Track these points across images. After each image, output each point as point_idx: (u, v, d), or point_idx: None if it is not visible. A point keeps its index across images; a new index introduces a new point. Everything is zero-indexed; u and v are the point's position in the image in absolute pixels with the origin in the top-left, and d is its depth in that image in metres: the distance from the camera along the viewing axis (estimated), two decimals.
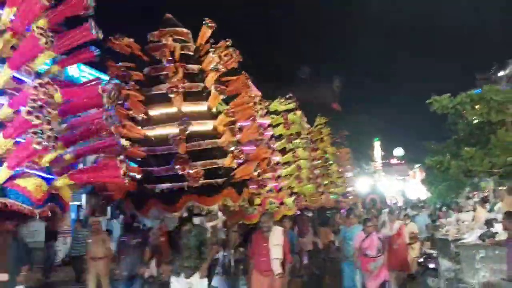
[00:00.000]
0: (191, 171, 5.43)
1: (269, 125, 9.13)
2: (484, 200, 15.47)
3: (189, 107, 6.20)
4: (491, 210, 11.81)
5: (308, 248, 11.55)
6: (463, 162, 13.09)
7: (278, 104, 9.88)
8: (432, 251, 9.77)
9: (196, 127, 5.95)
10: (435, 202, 24.97)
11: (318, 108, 35.18)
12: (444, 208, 18.10)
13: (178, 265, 6.13)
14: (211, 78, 6.18)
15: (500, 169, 12.47)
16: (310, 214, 12.62)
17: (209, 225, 7.55)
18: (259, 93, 9.19)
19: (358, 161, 36.49)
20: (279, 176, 8.78)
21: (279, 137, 9.62)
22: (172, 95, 5.84)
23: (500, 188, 23.89)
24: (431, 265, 9.31)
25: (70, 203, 6.35)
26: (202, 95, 6.37)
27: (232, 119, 6.12)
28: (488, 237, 7.15)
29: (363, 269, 7.98)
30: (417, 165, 23.14)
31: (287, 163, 9.50)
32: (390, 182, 39.74)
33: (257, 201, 8.01)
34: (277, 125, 9.63)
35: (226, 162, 5.95)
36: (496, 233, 7.21)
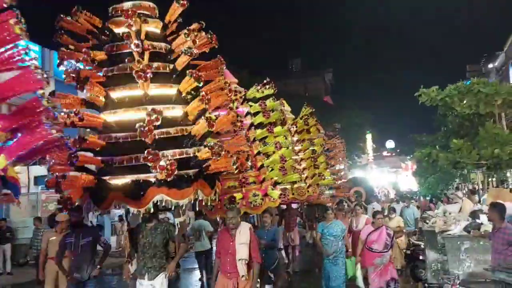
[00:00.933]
0: (163, 163, 4.81)
1: (248, 113, 8.55)
2: (472, 192, 15.55)
3: (156, 90, 5.51)
4: (481, 202, 11.90)
5: (296, 242, 11.47)
6: (451, 154, 13.21)
7: (255, 91, 9.10)
8: (420, 243, 9.84)
9: (165, 112, 5.25)
10: (425, 193, 25.23)
11: (310, 101, 35.33)
12: (433, 200, 18.20)
13: (142, 265, 5.58)
14: (181, 62, 5.60)
15: (488, 161, 12.60)
16: (295, 207, 12.26)
17: (177, 221, 6.93)
18: (235, 80, 8.70)
19: (350, 153, 36.67)
20: (261, 166, 8.13)
21: (259, 126, 8.83)
22: (139, 81, 5.20)
23: (489, 179, 24.19)
24: (420, 257, 9.37)
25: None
26: (171, 78, 5.72)
27: (206, 106, 5.46)
28: (473, 229, 7.20)
29: (366, 263, 7.60)
30: (408, 157, 23.24)
31: (269, 153, 8.90)
32: (381, 174, 39.99)
33: (239, 195, 7.55)
34: (256, 113, 8.88)
35: (201, 154, 5.34)
36: (482, 224, 7.28)
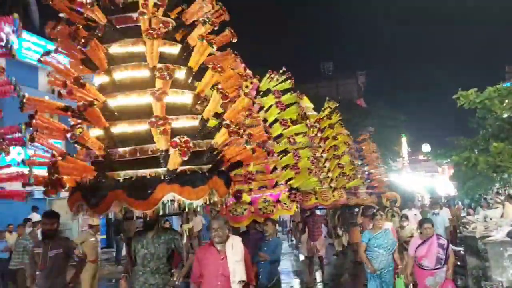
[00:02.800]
0: (176, 140, 3.91)
1: (261, 109, 7.37)
2: (510, 197, 15.02)
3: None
4: None
5: (322, 253, 10.48)
6: (492, 157, 12.84)
7: (269, 80, 7.81)
8: (459, 248, 9.59)
9: (172, 96, 4.49)
10: (463, 198, 24.50)
11: (343, 105, 35.10)
12: (473, 205, 17.66)
13: (142, 282, 4.72)
14: (196, 33, 4.69)
15: None
16: (320, 213, 11.35)
17: (184, 228, 5.79)
18: (250, 72, 7.40)
19: (385, 157, 36.07)
20: (274, 169, 7.05)
21: (274, 123, 7.62)
22: (147, 38, 4.27)
23: None
24: (458, 263, 9.13)
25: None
26: (180, 57, 4.93)
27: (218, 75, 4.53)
28: None
29: (420, 285, 6.39)
30: (445, 161, 22.67)
31: (285, 153, 7.61)
32: (417, 178, 39.08)
33: (246, 198, 6.55)
34: (270, 108, 7.57)
35: (216, 139, 4.48)
36: None
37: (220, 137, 4.47)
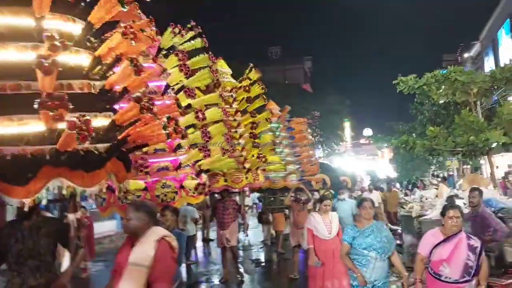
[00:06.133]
0: (73, 119, 3.01)
1: (164, 71, 5.53)
2: (444, 179, 15.95)
3: (55, 22, 3.60)
4: (456, 187, 12.21)
5: (233, 243, 8.69)
6: (428, 141, 13.50)
7: (172, 36, 5.97)
8: (396, 228, 10.05)
9: (65, 56, 3.42)
10: (402, 180, 25.77)
11: (289, 89, 35.54)
12: (410, 186, 18.58)
13: (18, 284, 3.79)
14: None
15: (463, 148, 12.93)
16: (234, 198, 9.67)
17: (71, 217, 4.66)
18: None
19: (329, 141, 37.05)
20: (178, 146, 5.65)
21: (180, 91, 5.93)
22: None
23: (464, 167, 24.80)
24: (398, 242, 9.56)
25: None
26: (74, 9, 3.89)
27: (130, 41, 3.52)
28: None
29: None
30: (385, 145, 23.58)
31: (192, 128, 5.97)
32: (359, 161, 40.57)
33: (138, 184, 5.26)
34: (174, 73, 5.79)
35: (121, 115, 3.52)
36: None
37: (126, 113, 3.50)
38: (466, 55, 33.46)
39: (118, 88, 3.63)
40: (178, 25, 6.09)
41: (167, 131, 3.68)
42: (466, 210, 6.65)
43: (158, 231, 3.41)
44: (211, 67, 6.07)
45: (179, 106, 4.40)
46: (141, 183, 5.22)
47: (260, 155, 8.51)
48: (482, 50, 28.84)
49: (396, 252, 4.80)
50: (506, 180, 13.69)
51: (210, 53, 6.27)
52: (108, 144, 3.50)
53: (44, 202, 4.56)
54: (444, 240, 4.14)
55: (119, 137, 3.53)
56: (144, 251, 3.24)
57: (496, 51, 25.01)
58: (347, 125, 46.29)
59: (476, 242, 4.15)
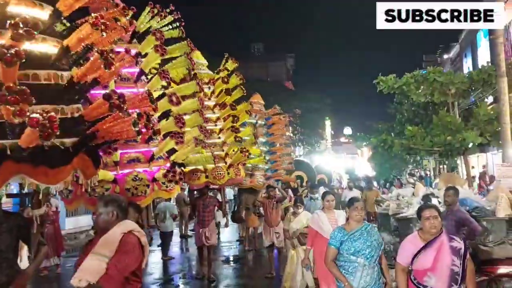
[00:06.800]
0: (36, 116, 2.73)
1: (138, 55, 5.20)
2: (420, 177, 16.18)
3: (20, 8, 3.35)
4: (433, 186, 12.39)
5: (213, 241, 8.45)
6: (406, 140, 13.67)
7: (148, 17, 5.66)
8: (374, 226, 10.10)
9: (31, 44, 3.13)
10: (380, 179, 26.04)
11: (272, 86, 35.58)
12: (387, 185, 18.78)
13: None
14: None
15: (440, 148, 13.13)
16: (213, 195, 9.60)
17: (35, 213, 4.55)
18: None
19: (310, 139, 37.25)
20: (151, 137, 5.13)
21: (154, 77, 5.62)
22: None
23: (440, 166, 25.18)
24: None
25: None
26: None
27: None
28: None
29: None
30: (364, 144, 23.76)
31: (165, 117, 5.46)
32: (339, 160, 40.81)
33: (107, 176, 4.85)
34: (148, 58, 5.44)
35: (90, 110, 3.39)
36: None
37: (95, 110, 3.37)
38: (445, 56, 33.96)
39: (87, 78, 3.43)
40: (157, 5, 5.76)
41: (137, 128, 3.46)
42: (442, 209, 6.75)
43: (127, 225, 3.36)
44: (189, 54, 5.65)
45: (151, 101, 4.11)
46: (110, 175, 4.80)
47: (244, 150, 8.17)
48: (461, 51, 29.31)
49: (383, 256, 4.41)
50: (481, 180, 13.95)
51: (188, 39, 5.89)
52: (75, 139, 3.29)
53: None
54: (425, 247, 3.76)
55: (87, 132, 3.33)
56: (108, 242, 3.19)
57: (474, 53, 25.44)
58: (327, 123, 46.59)
59: (459, 243, 3.80)
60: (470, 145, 12.99)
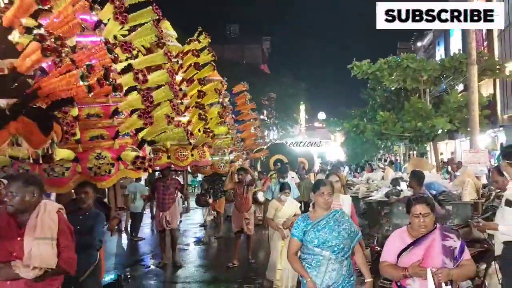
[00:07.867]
0: None
1: (99, 24, 4.73)
2: (391, 162, 16.48)
3: None
4: (402, 170, 12.62)
5: (173, 225, 8.07)
6: (378, 126, 13.85)
7: None
8: None
9: None
10: (351, 164, 26.44)
11: (247, 69, 35.32)
12: (359, 170, 19.04)
13: None
14: None
15: (411, 134, 13.36)
16: (176, 177, 8.94)
17: None
18: None
19: (284, 123, 37.32)
20: (116, 111, 4.73)
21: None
22: None
23: (410, 152, 25.67)
24: None
25: None
26: None
27: None
28: (393, 195, 7.58)
29: None
30: (337, 129, 23.92)
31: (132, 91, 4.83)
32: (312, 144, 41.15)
33: (67, 154, 4.16)
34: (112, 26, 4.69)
35: (22, 59, 2.80)
36: (401, 191, 7.68)
37: (27, 56, 2.81)
38: (419, 44, 34.40)
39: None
40: None
41: (87, 82, 2.84)
42: (409, 192, 6.86)
43: (53, 204, 3.19)
44: (155, 21, 4.98)
45: (109, 50, 3.31)
46: (70, 153, 4.24)
47: (207, 130, 7.43)
48: (434, 39, 29.73)
49: (359, 248, 3.78)
50: (448, 165, 14.28)
51: (154, 5, 5.11)
52: (14, 99, 2.78)
53: None
54: (413, 243, 3.19)
55: (27, 91, 2.81)
56: (46, 223, 3.02)
57: (447, 41, 25.85)
58: (302, 108, 46.78)
59: (455, 242, 3.16)
60: (440, 131, 13.25)
